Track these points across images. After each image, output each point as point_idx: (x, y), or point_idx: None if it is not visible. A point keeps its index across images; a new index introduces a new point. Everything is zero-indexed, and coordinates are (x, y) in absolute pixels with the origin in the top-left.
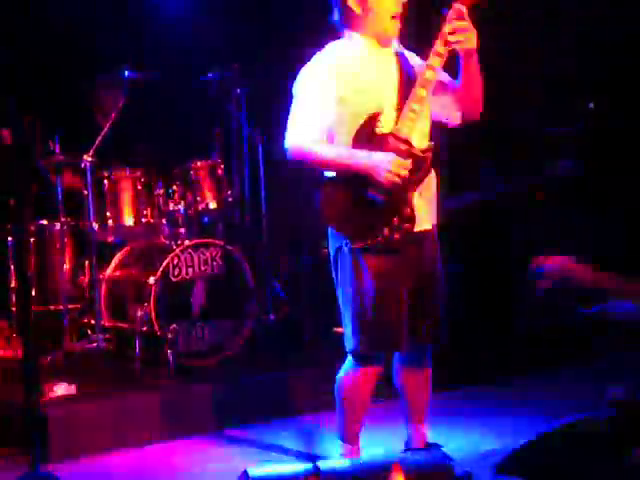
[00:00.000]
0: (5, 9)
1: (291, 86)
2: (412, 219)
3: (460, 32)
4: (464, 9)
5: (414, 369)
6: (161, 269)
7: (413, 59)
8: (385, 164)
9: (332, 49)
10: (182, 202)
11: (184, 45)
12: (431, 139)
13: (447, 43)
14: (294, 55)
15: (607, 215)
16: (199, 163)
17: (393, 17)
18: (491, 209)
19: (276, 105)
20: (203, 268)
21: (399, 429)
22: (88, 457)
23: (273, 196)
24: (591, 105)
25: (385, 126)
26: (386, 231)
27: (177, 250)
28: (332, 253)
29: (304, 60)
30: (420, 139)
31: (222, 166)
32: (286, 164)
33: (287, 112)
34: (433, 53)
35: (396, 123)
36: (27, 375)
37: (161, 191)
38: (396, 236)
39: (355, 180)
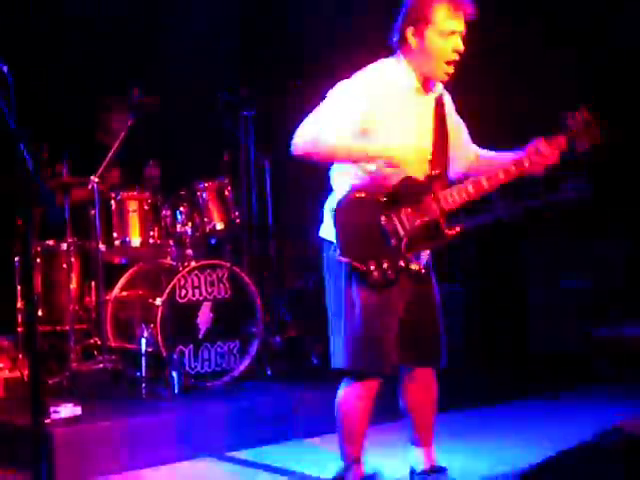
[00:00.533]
0: (14, 32)
1: (298, 111)
2: (400, 270)
3: (543, 163)
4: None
5: (419, 391)
6: (168, 290)
7: (450, 105)
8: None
9: (379, 73)
10: (189, 223)
11: (192, 68)
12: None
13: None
14: (301, 79)
15: (617, 235)
16: (206, 184)
17: (447, 62)
18: (505, 228)
19: (283, 128)
20: (210, 289)
21: (404, 450)
22: (94, 478)
23: (280, 216)
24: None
25: (411, 168)
26: (385, 265)
27: (184, 271)
28: (326, 261)
29: (310, 84)
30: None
31: (229, 187)
32: (293, 184)
33: (293, 134)
34: (517, 163)
35: (439, 181)
36: (33, 396)
37: (168, 212)
38: (391, 275)
39: (377, 205)
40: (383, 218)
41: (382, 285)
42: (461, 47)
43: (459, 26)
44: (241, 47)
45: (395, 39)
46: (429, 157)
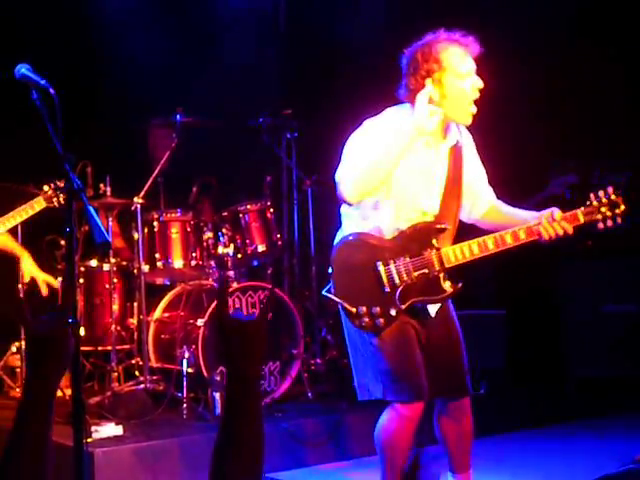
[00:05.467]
0: (59, 50)
1: (341, 133)
2: (391, 319)
3: (554, 231)
4: (582, 221)
5: (452, 421)
6: (209, 311)
7: (471, 148)
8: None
9: (401, 115)
10: (231, 245)
11: (236, 90)
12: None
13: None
14: (345, 102)
15: None
16: (249, 206)
17: (470, 103)
18: (546, 251)
19: (326, 150)
20: (251, 311)
21: (444, 476)
22: None
23: (321, 238)
24: None
25: (421, 210)
26: (376, 311)
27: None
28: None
29: (354, 108)
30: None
31: (271, 210)
32: (334, 206)
33: (336, 158)
34: (527, 230)
35: (440, 230)
36: (75, 415)
37: (211, 234)
38: (381, 322)
39: (376, 250)
40: (380, 264)
41: (370, 330)
42: (481, 83)
43: (472, 64)
44: (285, 70)
45: (406, 91)
46: (435, 211)
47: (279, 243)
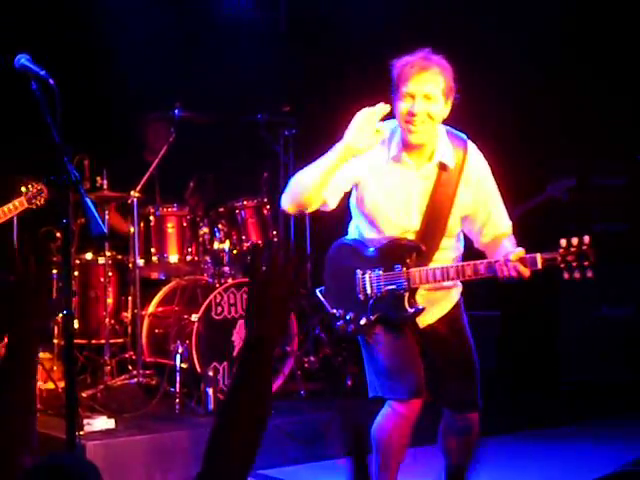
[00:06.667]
0: (57, 43)
1: (339, 131)
2: (360, 329)
3: (509, 272)
4: (539, 267)
5: (459, 434)
6: (204, 307)
7: (467, 166)
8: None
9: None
10: (227, 241)
11: (234, 85)
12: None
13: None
14: (343, 99)
15: None
16: (245, 202)
17: (406, 122)
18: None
19: (324, 148)
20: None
21: (439, 476)
22: None
23: (317, 235)
24: None
25: (401, 227)
26: (350, 316)
27: (220, 289)
28: None
29: (353, 106)
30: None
31: (268, 206)
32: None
33: None
34: (485, 266)
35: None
36: (68, 408)
37: (206, 229)
38: (352, 328)
39: (359, 258)
40: (359, 272)
41: (342, 334)
42: (416, 110)
43: (415, 87)
44: (282, 66)
45: None
46: (415, 229)
47: (275, 240)
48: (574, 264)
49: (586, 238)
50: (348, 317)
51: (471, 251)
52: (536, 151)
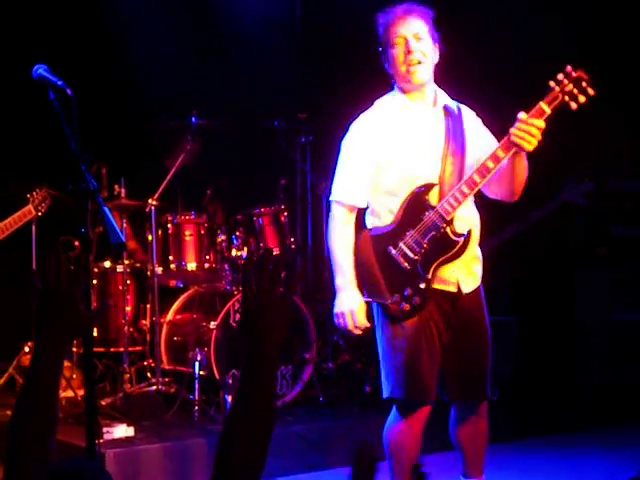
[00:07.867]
0: (74, 51)
1: None
2: (424, 293)
3: (526, 133)
4: (548, 111)
5: (469, 424)
6: (222, 314)
7: (464, 114)
8: (345, 315)
9: (375, 110)
10: (245, 248)
11: (251, 94)
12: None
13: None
14: (359, 106)
15: None
16: (263, 210)
17: (408, 66)
18: (560, 257)
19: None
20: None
21: None
22: None
23: None
24: None
25: (422, 178)
26: (408, 292)
27: (238, 296)
28: None
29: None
30: (463, 217)
31: (285, 213)
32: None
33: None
34: (503, 146)
35: (441, 195)
36: (87, 416)
37: (224, 236)
38: (417, 300)
39: (382, 238)
40: (391, 248)
41: (411, 314)
42: (411, 48)
43: (405, 29)
44: (301, 73)
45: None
46: (436, 180)
47: (292, 246)
48: (575, 91)
49: (568, 67)
50: (407, 294)
51: None
52: (550, 156)
